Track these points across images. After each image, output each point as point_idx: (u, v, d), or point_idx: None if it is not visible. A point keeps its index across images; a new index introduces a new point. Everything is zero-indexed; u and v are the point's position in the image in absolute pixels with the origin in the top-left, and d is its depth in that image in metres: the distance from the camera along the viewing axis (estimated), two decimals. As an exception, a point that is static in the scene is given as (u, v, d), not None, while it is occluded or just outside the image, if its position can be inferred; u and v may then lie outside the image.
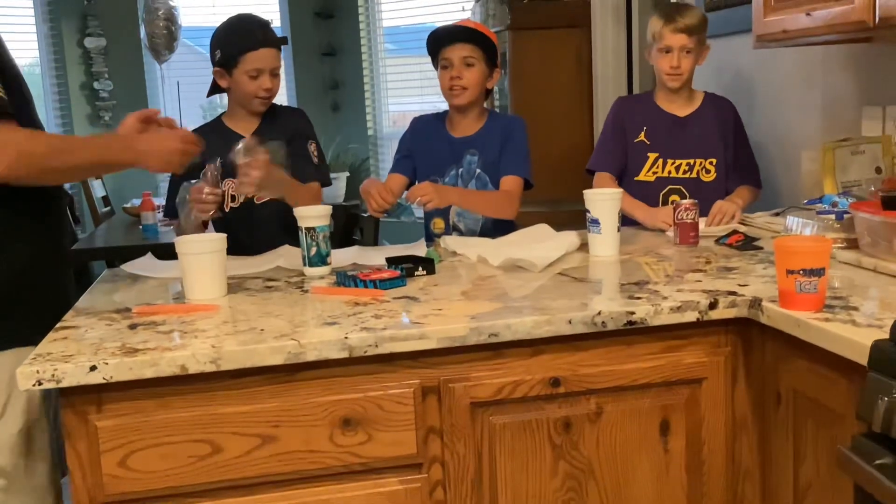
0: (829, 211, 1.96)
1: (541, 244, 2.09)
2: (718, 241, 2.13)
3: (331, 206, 2.03)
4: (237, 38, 2.31)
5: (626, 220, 2.24)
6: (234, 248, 1.98)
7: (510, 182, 2.41)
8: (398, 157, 2.56)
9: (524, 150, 2.46)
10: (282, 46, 2.36)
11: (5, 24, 5.25)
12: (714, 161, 2.51)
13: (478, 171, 2.44)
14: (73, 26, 5.49)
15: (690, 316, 1.56)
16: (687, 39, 2.45)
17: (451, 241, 2.23)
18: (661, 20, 2.49)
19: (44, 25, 5.42)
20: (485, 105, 2.54)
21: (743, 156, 2.58)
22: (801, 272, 1.42)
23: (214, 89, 2.41)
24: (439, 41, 2.44)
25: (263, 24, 2.34)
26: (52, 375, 1.37)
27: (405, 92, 6.00)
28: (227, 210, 2.31)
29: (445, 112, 2.55)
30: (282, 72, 2.39)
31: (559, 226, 2.40)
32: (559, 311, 1.55)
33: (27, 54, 5.40)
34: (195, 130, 2.29)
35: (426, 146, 2.51)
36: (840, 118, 2.47)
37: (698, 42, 2.48)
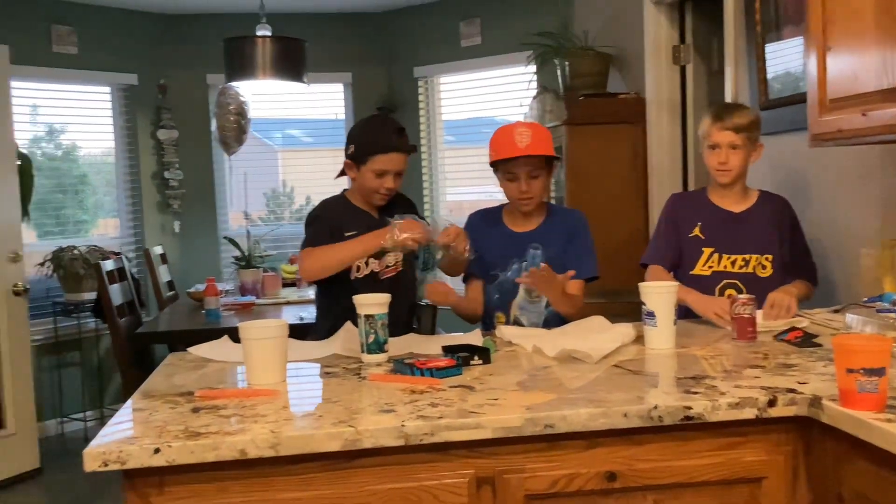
0: (890, 309, 1.93)
1: (596, 335, 2.09)
2: (777, 337, 2.11)
3: (389, 295, 2.08)
4: (372, 138, 2.51)
5: (681, 313, 2.23)
6: (348, 317, 2.22)
7: (578, 287, 2.46)
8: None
9: (590, 248, 2.52)
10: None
11: (85, 115, 5.55)
12: (770, 257, 2.51)
13: (542, 264, 2.42)
14: (148, 119, 5.77)
15: (749, 413, 1.54)
16: (734, 136, 2.48)
17: (507, 331, 2.25)
18: (710, 118, 2.54)
19: (120, 118, 5.71)
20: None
21: (798, 253, 2.57)
22: (862, 371, 1.41)
23: (343, 173, 2.61)
24: (502, 158, 2.48)
25: (399, 130, 2.53)
26: (118, 457, 1.41)
27: (462, 182, 6.12)
28: (352, 279, 2.48)
29: (501, 207, 2.60)
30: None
31: (614, 317, 2.41)
32: (615, 403, 1.55)
33: (104, 144, 5.68)
34: (326, 200, 2.65)
35: (487, 241, 2.53)
36: (900, 215, 2.45)
37: (748, 139, 2.51)
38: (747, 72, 3.22)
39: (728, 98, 3.39)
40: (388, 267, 2.54)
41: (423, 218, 2.48)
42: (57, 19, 5.24)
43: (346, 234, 2.49)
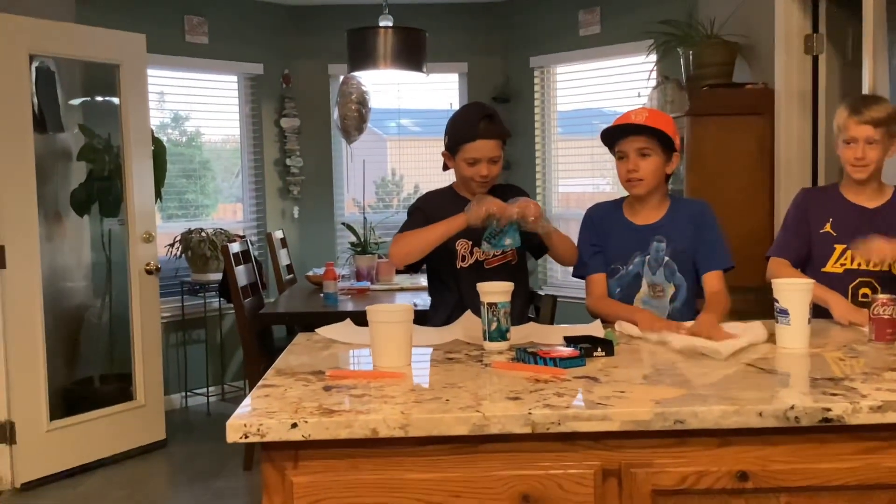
0: None
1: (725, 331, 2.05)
2: (918, 339, 2.01)
3: (512, 284, 2.09)
4: (460, 128, 2.53)
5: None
6: (460, 306, 2.36)
7: (716, 279, 2.39)
8: (592, 253, 2.51)
9: (721, 238, 2.45)
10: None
11: (212, 103, 5.77)
12: None
13: (666, 258, 2.42)
14: (272, 107, 5.95)
15: (892, 417, 1.48)
16: (872, 131, 2.38)
17: (627, 327, 2.22)
18: (846, 111, 2.43)
19: (246, 106, 5.91)
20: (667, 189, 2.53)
21: None
22: None
23: (446, 166, 2.64)
24: (613, 134, 2.43)
25: (487, 116, 2.51)
26: (258, 430, 1.47)
27: (575, 173, 6.07)
28: (458, 268, 2.52)
29: (622, 199, 2.55)
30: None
31: (736, 315, 2.35)
32: (748, 402, 1.51)
33: (228, 131, 5.90)
34: (430, 192, 2.72)
35: (608, 235, 2.50)
36: None
37: (886, 134, 2.39)
38: (887, 63, 3.07)
39: (865, 90, 3.24)
40: (494, 256, 2.55)
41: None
42: (190, 10, 5.47)
43: None
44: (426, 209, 2.59)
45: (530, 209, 2.35)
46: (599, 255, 2.49)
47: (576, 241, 2.57)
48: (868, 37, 3.21)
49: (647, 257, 2.43)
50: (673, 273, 2.42)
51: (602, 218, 2.54)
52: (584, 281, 2.55)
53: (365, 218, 5.22)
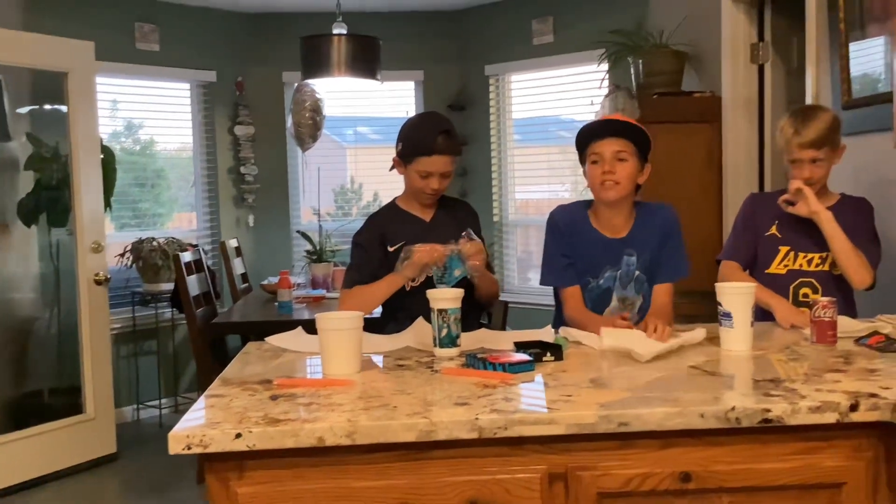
0: (981, 315, 1.87)
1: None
2: (858, 341, 2.06)
3: (462, 290, 2.09)
4: (416, 140, 2.47)
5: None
6: (405, 324, 2.33)
7: (665, 292, 2.37)
8: (564, 265, 2.40)
9: (682, 247, 2.42)
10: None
11: (165, 111, 5.71)
12: None
13: (637, 272, 2.37)
14: (225, 115, 5.90)
15: (830, 417, 1.51)
16: (816, 152, 2.43)
17: (574, 333, 2.22)
18: (790, 129, 2.45)
19: (199, 114, 5.86)
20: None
21: (864, 245, 2.47)
22: (951, 377, 1.37)
23: (394, 168, 2.60)
24: (590, 135, 2.35)
25: (446, 131, 2.46)
26: (201, 441, 1.46)
27: (532, 180, 6.11)
28: (408, 289, 2.47)
29: (586, 204, 2.45)
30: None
31: (686, 318, 2.39)
32: (691, 403, 1.53)
33: (181, 139, 5.84)
34: (373, 214, 2.62)
35: (576, 245, 2.41)
36: None
37: (830, 150, 2.45)
38: (829, 71, 3.14)
39: (809, 98, 3.31)
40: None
41: (480, 236, 2.46)
42: (141, 17, 5.40)
43: (391, 250, 2.48)
44: (368, 241, 2.54)
45: (479, 258, 2.34)
46: (571, 266, 2.40)
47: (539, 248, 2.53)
48: (811, 45, 3.29)
49: (619, 272, 2.38)
50: (642, 285, 2.39)
51: (568, 224, 2.43)
52: (549, 288, 2.50)
53: (321, 226, 5.20)
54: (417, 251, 2.33)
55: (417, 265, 2.33)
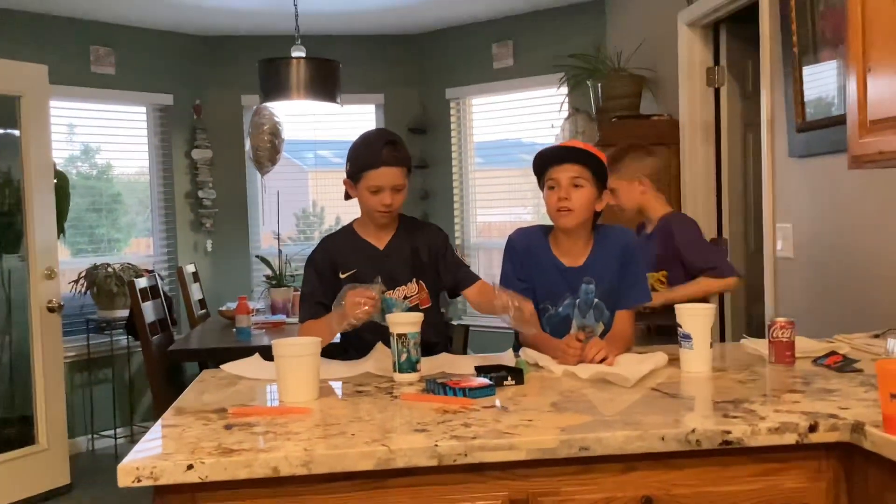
0: (935, 333, 1.89)
1: (628, 362, 2.07)
2: (816, 361, 2.07)
3: (422, 314, 2.07)
4: (361, 155, 2.39)
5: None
6: (363, 352, 2.27)
7: (626, 319, 2.33)
8: (520, 290, 2.26)
9: (642, 272, 2.40)
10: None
11: (121, 135, 5.63)
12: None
13: (595, 300, 2.34)
14: (182, 139, 5.84)
15: (790, 438, 1.51)
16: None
17: (532, 354, 2.21)
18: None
19: (155, 137, 5.78)
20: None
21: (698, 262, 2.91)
22: (908, 396, 1.37)
23: (349, 195, 2.49)
24: (547, 160, 2.32)
25: (389, 142, 2.38)
26: (151, 473, 1.41)
27: (494, 203, 6.13)
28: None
29: (546, 230, 2.42)
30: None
31: (640, 339, 2.38)
32: (651, 426, 1.52)
33: (138, 163, 5.75)
34: (327, 237, 2.53)
35: (534, 271, 2.37)
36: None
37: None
38: (784, 94, 3.19)
39: (764, 120, 3.36)
40: (406, 298, 2.42)
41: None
42: (95, 40, 5.33)
43: (342, 276, 2.38)
44: (320, 265, 2.44)
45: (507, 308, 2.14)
46: (528, 291, 2.33)
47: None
48: (766, 69, 3.34)
49: (578, 300, 2.35)
50: (602, 312, 2.36)
51: (527, 249, 2.39)
52: None
53: (280, 250, 5.15)
54: (348, 304, 2.14)
55: (348, 321, 2.15)
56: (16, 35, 4.87)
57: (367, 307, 2.11)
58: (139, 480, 1.41)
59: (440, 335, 2.52)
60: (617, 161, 3.01)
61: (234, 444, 1.50)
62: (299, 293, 2.54)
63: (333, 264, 2.41)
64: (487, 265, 6.16)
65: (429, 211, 6.11)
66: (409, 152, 2.45)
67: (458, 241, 6.08)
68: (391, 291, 2.38)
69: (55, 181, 4.35)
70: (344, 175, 2.46)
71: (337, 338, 2.42)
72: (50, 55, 4.65)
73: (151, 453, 1.47)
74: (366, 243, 2.43)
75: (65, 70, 4.95)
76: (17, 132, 4.22)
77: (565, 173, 2.28)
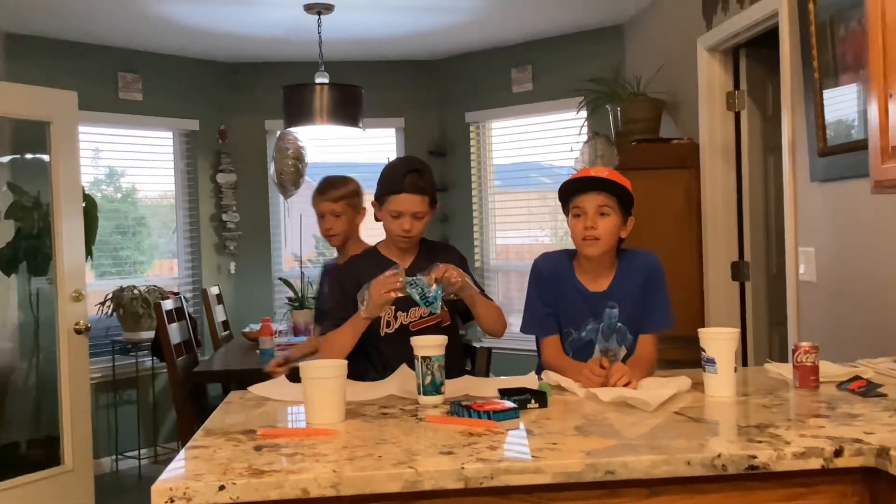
0: (960, 358, 1.89)
1: (651, 386, 2.08)
2: (840, 386, 2.07)
3: (446, 337, 2.09)
4: (387, 180, 2.50)
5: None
6: (384, 373, 2.32)
7: (649, 343, 2.33)
8: (545, 314, 2.38)
9: (666, 297, 2.38)
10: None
11: (147, 159, 5.72)
12: None
13: (619, 324, 2.35)
14: (208, 163, 5.92)
15: (815, 463, 1.52)
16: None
17: (554, 377, 2.22)
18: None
19: (181, 162, 5.87)
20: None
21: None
22: (933, 421, 1.38)
23: (377, 217, 2.59)
24: (573, 188, 2.34)
25: (414, 170, 2.46)
26: (184, 493, 1.44)
27: (513, 226, 6.15)
28: (382, 335, 2.47)
29: (571, 254, 2.43)
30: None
31: (665, 363, 2.38)
32: (677, 451, 1.53)
33: (163, 187, 5.84)
34: (354, 257, 2.65)
35: (558, 296, 2.39)
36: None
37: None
38: (804, 118, 3.20)
39: (785, 144, 3.37)
40: (421, 318, 2.49)
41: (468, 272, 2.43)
42: (124, 67, 5.44)
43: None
44: (346, 282, 2.53)
45: (452, 274, 2.26)
46: (552, 316, 2.38)
47: (514, 294, 2.53)
48: (786, 93, 3.35)
49: (601, 325, 2.36)
50: (625, 336, 2.37)
51: (552, 274, 2.40)
52: (531, 336, 2.47)
53: (302, 273, 5.19)
54: (372, 286, 2.26)
55: (375, 304, 2.27)
56: (46, 62, 4.98)
57: (394, 285, 2.22)
58: (172, 501, 1.43)
59: (456, 352, 2.56)
60: None
61: (265, 466, 1.52)
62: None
63: (358, 281, 2.46)
64: (506, 287, 6.18)
65: (448, 233, 6.15)
66: (434, 181, 2.51)
67: (477, 264, 6.10)
68: (410, 312, 2.46)
69: (83, 205, 4.42)
70: (369, 197, 2.54)
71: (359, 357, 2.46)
72: (79, 81, 4.74)
73: (184, 473, 1.50)
74: (389, 261, 2.49)
75: (93, 96, 5.04)
76: (46, 157, 4.29)
77: (591, 202, 2.30)
